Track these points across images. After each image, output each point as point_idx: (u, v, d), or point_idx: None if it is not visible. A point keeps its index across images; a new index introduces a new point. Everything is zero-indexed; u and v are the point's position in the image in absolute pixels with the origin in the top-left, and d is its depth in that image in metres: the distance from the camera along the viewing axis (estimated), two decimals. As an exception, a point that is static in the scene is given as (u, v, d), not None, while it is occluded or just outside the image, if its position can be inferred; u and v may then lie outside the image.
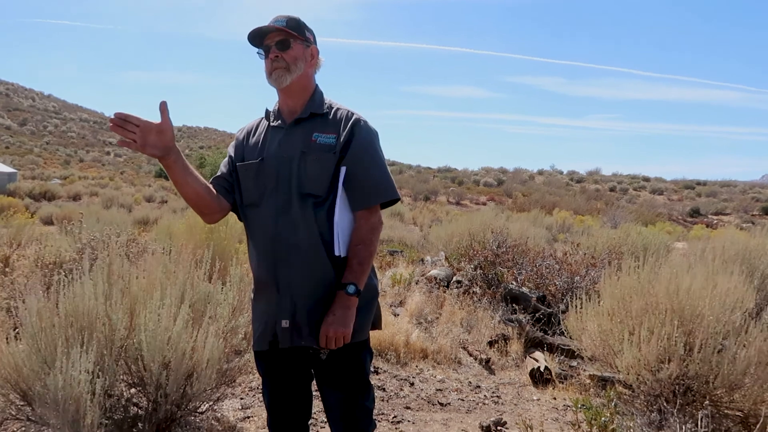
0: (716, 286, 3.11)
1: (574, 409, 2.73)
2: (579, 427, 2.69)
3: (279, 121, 1.91)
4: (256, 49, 1.87)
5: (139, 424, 2.59)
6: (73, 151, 67.62)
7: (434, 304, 5.50)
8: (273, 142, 1.87)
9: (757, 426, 2.60)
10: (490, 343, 4.69)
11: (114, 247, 2.94)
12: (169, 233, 6.09)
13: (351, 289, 1.76)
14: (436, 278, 6.33)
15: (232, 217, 2.06)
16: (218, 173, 1.97)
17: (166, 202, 24.49)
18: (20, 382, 2.39)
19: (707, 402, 2.92)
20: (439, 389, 3.90)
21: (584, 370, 4.21)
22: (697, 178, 51.22)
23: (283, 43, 1.81)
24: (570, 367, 4.33)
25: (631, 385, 3.20)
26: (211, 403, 2.90)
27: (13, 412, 2.45)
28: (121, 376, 2.61)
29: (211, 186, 1.90)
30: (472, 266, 6.25)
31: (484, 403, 3.72)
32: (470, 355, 4.57)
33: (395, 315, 5.21)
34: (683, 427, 2.36)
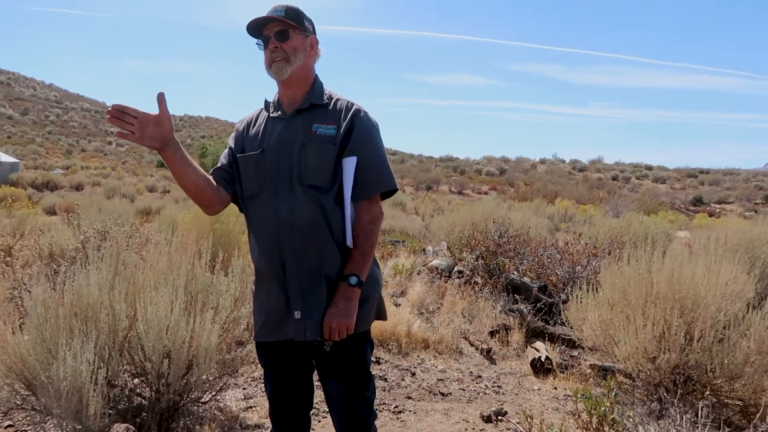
0: (718, 275, 3.11)
1: (574, 398, 2.74)
2: (579, 416, 2.70)
3: (279, 112, 1.90)
4: (255, 40, 1.85)
5: (143, 414, 2.61)
6: (75, 141, 67.63)
7: (436, 294, 5.51)
8: (273, 133, 1.87)
9: (758, 415, 2.62)
10: (492, 333, 4.71)
11: (120, 238, 2.95)
12: (172, 223, 6.10)
13: (353, 280, 1.76)
14: (437, 268, 6.34)
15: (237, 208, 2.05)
16: (218, 164, 1.96)
17: (168, 192, 24.51)
18: (25, 372, 2.41)
19: (707, 392, 2.93)
20: (441, 379, 3.92)
21: (585, 360, 4.23)
22: (700, 167, 51.01)
23: (282, 34, 1.80)
24: (571, 356, 4.35)
25: (631, 375, 3.21)
26: (213, 392, 2.92)
27: (18, 402, 2.48)
28: (125, 366, 2.63)
29: (210, 177, 1.90)
30: (473, 256, 6.26)
31: (485, 393, 3.74)
32: (471, 345, 4.59)
33: (397, 305, 5.23)
34: (683, 417, 2.37)
